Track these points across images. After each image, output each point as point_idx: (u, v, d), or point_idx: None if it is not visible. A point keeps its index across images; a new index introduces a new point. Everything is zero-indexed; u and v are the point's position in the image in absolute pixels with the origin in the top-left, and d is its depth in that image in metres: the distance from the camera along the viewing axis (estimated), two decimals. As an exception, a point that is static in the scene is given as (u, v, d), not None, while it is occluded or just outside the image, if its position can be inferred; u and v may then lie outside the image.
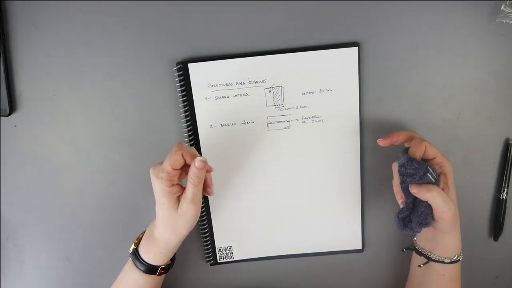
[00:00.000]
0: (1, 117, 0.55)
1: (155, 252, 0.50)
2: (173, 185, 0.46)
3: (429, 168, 0.46)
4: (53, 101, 0.55)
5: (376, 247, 0.60)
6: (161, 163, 0.47)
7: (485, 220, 0.59)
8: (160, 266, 0.50)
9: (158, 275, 0.51)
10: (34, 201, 0.57)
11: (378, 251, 0.60)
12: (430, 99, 0.55)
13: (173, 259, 0.54)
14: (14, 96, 0.54)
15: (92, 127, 0.55)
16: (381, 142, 0.50)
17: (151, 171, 0.47)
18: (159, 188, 0.46)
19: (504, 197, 0.57)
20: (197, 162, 0.45)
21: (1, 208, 0.58)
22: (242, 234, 0.59)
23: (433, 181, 0.46)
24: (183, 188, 0.47)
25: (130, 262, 0.51)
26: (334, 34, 0.53)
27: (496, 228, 0.58)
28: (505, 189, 0.57)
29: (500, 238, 0.59)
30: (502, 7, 0.50)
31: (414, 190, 0.46)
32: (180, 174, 0.47)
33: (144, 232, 0.52)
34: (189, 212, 0.47)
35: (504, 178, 0.57)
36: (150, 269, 0.50)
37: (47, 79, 0.54)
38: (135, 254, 0.51)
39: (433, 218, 0.48)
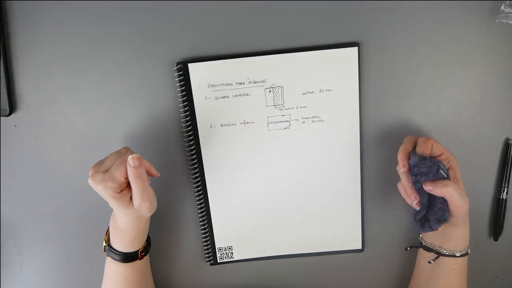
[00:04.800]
0: (1, 117, 0.55)
1: (129, 239, 0.50)
2: (121, 190, 0.45)
3: (440, 165, 0.47)
4: (53, 101, 0.55)
5: (376, 247, 0.60)
6: (98, 167, 0.45)
7: (485, 220, 0.59)
8: (139, 250, 0.51)
9: (141, 259, 0.51)
10: (34, 201, 0.57)
11: (378, 251, 0.60)
12: (430, 99, 0.55)
13: (148, 239, 0.54)
14: (14, 96, 0.54)
15: (92, 127, 0.55)
16: (402, 169, 0.48)
17: (91, 180, 0.45)
18: (109, 196, 0.45)
19: (504, 197, 0.57)
20: (131, 162, 0.44)
21: (1, 208, 0.58)
22: (242, 234, 0.59)
23: (446, 176, 0.47)
24: (129, 186, 0.46)
25: (109, 259, 0.52)
26: (334, 34, 0.53)
27: (496, 228, 0.58)
28: (505, 189, 0.57)
29: (500, 238, 0.59)
30: (502, 7, 0.50)
31: (429, 187, 0.47)
32: None
33: (108, 228, 0.52)
34: (144, 207, 0.46)
35: (504, 178, 0.57)
36: (130, 257, 0.50)
37: (47, 79, 0.54)
38: (110, 250, 0.51)
39: (449, 213, 0.48)
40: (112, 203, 0.46)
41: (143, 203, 0.46)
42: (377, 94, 0.55)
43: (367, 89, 0.54)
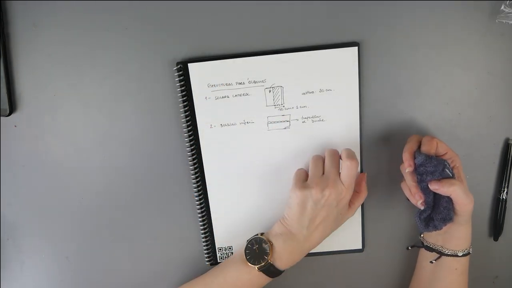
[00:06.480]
0: (1, 117, 0.55)
1: (299, 257, 0.51)
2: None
3: (446, 164, 0.47)
4: (53, 101, 0.55)
5: (376, 247, 0.60)
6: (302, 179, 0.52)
7: (485, 220, 0.59)
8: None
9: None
10: (34, 201, 0.57)
11: (378, 251, 0.60)
12: (430, 99, 0.55)
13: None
14: (14, 96, 0.54)
15: (92, 127, 0.55)
16: (409, 168, 0.48)
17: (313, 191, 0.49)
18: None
19: (504, 197, 0.57)
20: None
21: (1, 208, 0.58)
22: (242, 234, 0.58)
23: (451, 175, 0.47)
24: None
25: (256, 272, 0.50)
26: (334, 34, 0.53)
27: (496, 228, 0.58)
28: (505, 189, 0.57)
29: (500, 238, 0.59)
30: (502, 7, 0.50)
31: (435, 186, 0.47)
32: None
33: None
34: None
35: (504, 178, 0.57)
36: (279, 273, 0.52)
37: (47, 79, 0.54)
38: (270, 268, 0.50)
39: (454, 212, 0.48)
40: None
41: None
42: (377, 94, 0.55)
43: (367, 89, 0.54)
